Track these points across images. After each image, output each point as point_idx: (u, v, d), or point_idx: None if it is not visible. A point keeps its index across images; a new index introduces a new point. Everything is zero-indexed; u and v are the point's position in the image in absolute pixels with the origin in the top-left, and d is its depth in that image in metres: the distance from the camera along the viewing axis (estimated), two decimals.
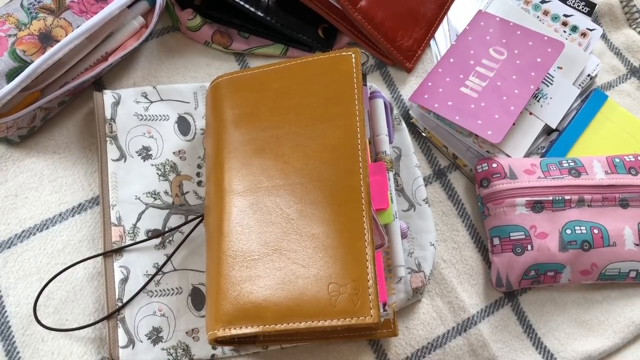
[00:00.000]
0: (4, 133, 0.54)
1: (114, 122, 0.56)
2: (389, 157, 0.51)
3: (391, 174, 0.50)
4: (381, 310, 0.43)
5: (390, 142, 0.52)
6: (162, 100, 0.58)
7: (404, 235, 0.50)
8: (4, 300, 0.52)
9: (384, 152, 0.51)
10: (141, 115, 0.57)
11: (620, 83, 0.71)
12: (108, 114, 0.56)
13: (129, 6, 0.57)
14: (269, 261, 0.44)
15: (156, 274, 0.52)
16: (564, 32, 0.68)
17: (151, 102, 0.58)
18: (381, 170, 0.47)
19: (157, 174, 0.56)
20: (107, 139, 0.56)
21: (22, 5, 0.52)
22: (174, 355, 0.50)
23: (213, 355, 0.51)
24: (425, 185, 0.61)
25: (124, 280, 0.52)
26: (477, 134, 0.58)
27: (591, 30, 0.68)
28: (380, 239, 0.44)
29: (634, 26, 0.74)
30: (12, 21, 0.51)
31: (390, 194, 0.48)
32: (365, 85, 0.52)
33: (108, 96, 0.57)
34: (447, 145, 0.62)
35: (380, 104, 0.52)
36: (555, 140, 0.63)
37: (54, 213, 0.55)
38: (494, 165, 0.58)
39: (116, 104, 0.57)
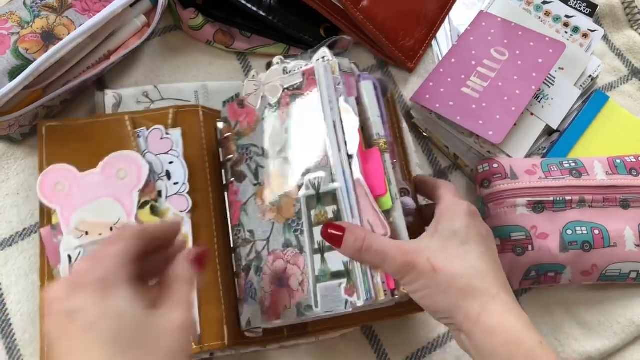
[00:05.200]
0: (6, 131, 0.54)
1: None
2: (384, 138, 0.48)
3: (387, 155, 0.47)
4: (389, 296, 0.42)
5: (383, 122, 0.50)
6: (163, 99, 0.58)
7: (409, 212, 0.47)
8: (5, 299, 0.52)
9: (377, 135, 0.48)
10: None
11: (621, 84, 0.71)
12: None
13: (132, 5, 0.57)
14: None
15: None
16: (566, 33, 0.68)
17: (152, 101, 0.58)
18: (374, 156, 0.46)
19: None
20: None
21: (25, 4, 0.52)
22: None
23: (212, 354, 0.51)
24: None
25: None
26: (478, 135, 0.58)
27: (592, 31, 0.68)
28: (382, 228, 0.43)
29: (635, 27, 0.74)
30: (14, 19, 0.51)
31: (388, 176, 0.46)
32: (352, 72, 0.50)
33: (109, 97, 0.57)
34: (448, 146, 0.62)
35: (368, 86, 0.50)
36: (556, 141, 0.63)
37: None
38: (495, 165, 0.58)
39: (117, 105, 0.57)
